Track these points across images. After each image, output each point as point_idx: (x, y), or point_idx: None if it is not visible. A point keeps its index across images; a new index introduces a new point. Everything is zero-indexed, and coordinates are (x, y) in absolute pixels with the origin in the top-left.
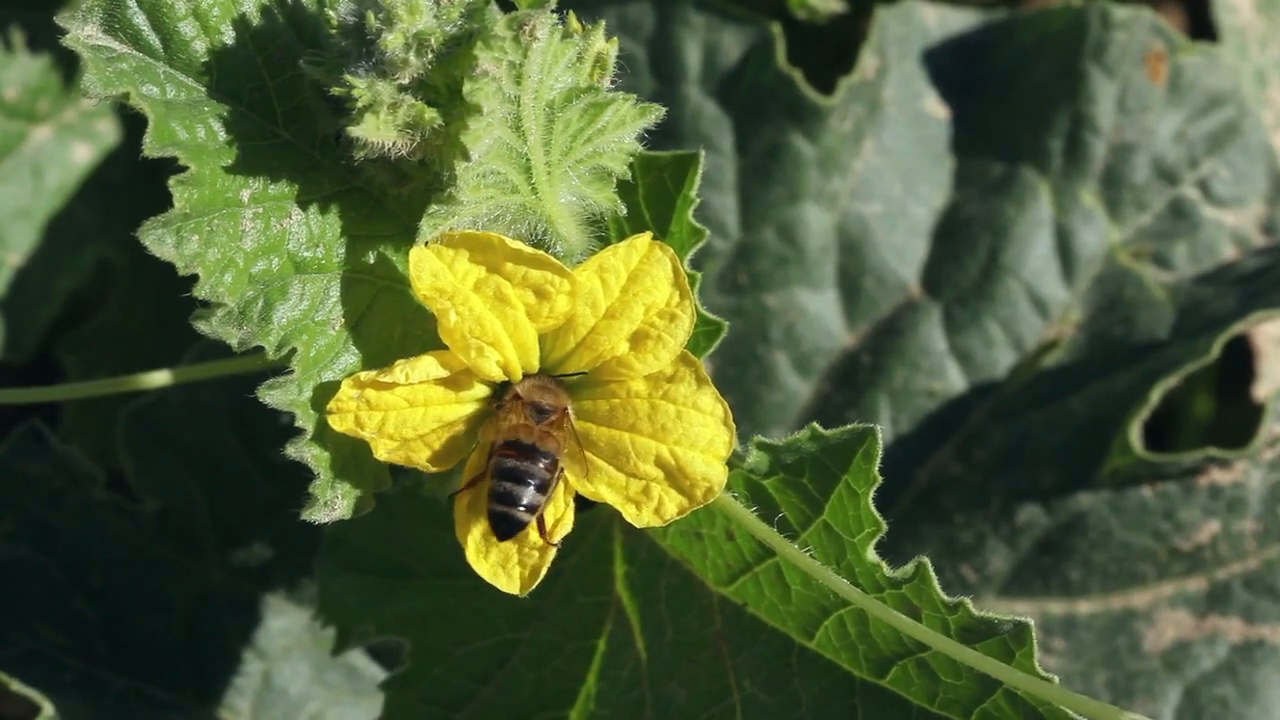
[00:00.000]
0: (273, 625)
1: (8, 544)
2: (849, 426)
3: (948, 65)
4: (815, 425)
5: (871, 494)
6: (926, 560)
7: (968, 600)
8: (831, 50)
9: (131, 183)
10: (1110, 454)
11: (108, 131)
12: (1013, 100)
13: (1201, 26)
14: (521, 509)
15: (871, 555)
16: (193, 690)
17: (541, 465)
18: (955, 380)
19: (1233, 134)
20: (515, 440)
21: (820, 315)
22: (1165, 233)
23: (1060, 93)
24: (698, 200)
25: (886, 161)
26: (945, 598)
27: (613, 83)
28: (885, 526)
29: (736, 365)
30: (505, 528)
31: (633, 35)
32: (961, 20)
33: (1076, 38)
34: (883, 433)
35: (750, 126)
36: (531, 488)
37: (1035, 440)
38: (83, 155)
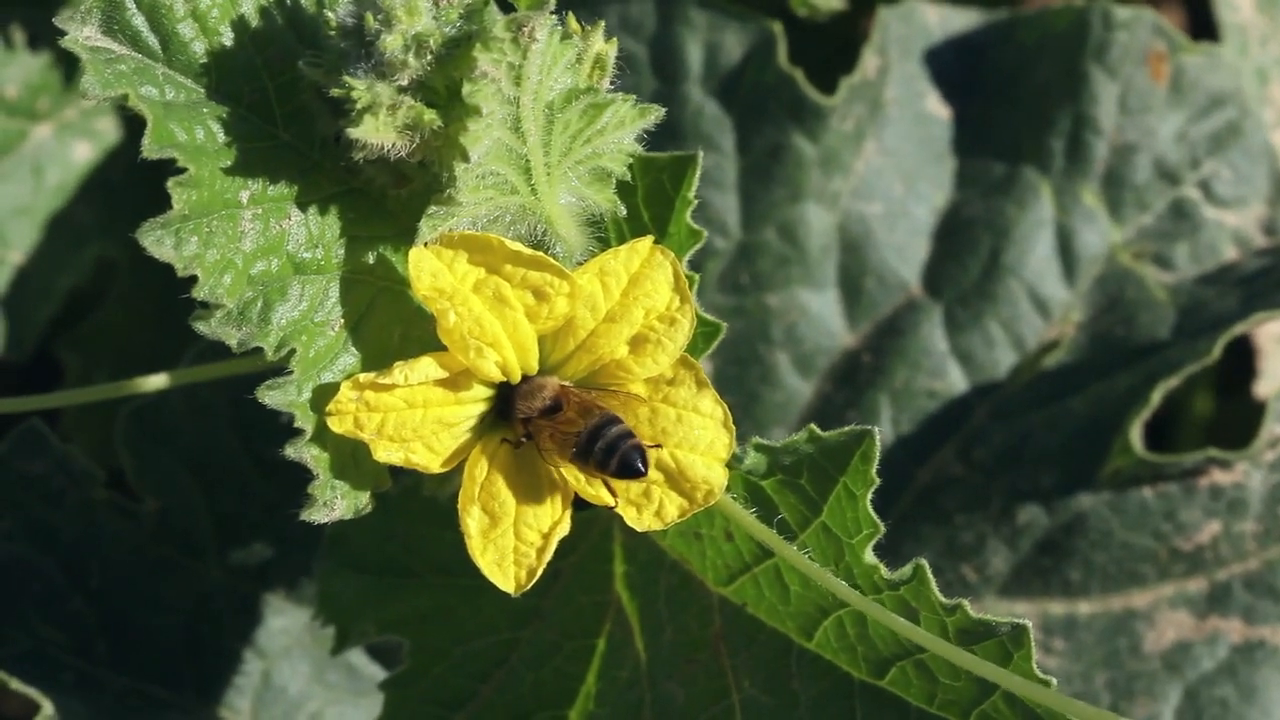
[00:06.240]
0: (272, 624)
1: (7, 543)
2: (847, 428)
3: (949, 65)
4: (813, 427)
5: (870, 496)
6: (924, 562)
7: (966, 602)
8: (833, 50)
9: (132, 181)
10: (1111, 454)
11: (108, 130)
12: (1015, 100)
13: (1203, 25)
14: (633, 453)
15: (870, 557)
16: (192, 689)
17: (603, 420)
18: (956, 380)
19: (1234, 134)
20: (581, 433)
21: (821, 315)
22: (1166, 233)
23: (1062, 93)
24: (696, 202)
25: (888, 161)
26: (943, 599)
27: (614, 82)
28: (884, 528)
29: (738, 365)
30: (633, 472)
31: (634, 34)
32: (963, 20)
33: (1079, 38)
34: (884, 433)
35: (752, 126)
36: (616, 431)
37: (1036, 441)
38: (83, 153)
